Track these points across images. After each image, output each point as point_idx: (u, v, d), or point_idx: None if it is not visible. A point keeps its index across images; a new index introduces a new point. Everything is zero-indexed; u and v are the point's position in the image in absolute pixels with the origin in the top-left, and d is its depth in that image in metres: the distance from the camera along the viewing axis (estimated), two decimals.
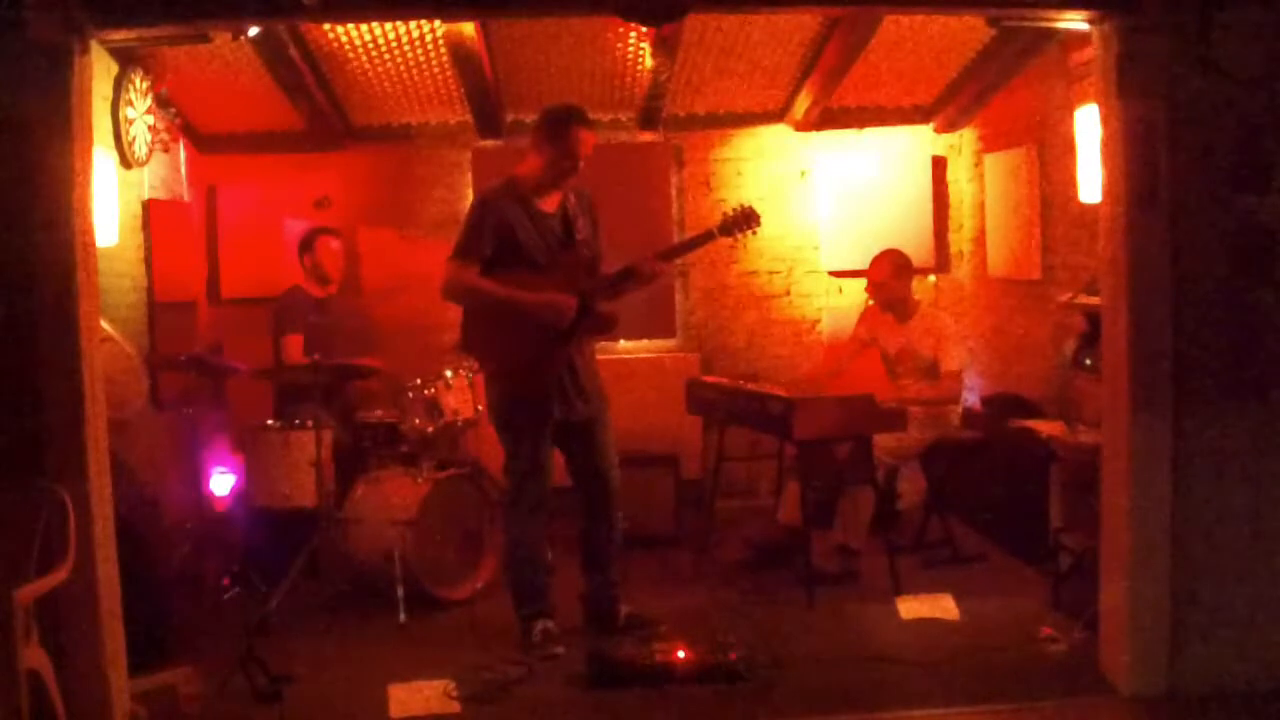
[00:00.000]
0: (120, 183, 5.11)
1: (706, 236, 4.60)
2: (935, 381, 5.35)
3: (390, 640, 4.58)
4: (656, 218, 6.71)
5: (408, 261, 6.52)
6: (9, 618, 3.04)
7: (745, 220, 4.54)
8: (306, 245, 5.84)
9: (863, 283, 5.86)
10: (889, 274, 5.53)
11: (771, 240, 6.88)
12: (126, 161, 5.17)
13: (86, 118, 3.55)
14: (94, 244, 3.60)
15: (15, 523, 3.28)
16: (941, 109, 6.73)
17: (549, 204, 4.44)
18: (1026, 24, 4.69)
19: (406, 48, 5.67)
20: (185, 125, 6.22)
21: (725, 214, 4.62)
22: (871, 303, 5.71)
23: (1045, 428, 5.04)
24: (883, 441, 5.11)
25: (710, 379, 5.84)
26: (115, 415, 3.90)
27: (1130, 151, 3.73)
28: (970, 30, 5.65)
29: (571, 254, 4.42)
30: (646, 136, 6.82)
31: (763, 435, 5.52)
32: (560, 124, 4.36)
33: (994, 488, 5.55)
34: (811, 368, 6.62)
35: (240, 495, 5.43)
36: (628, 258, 4.47)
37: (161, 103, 5.54)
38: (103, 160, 4.66)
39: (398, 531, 4.84)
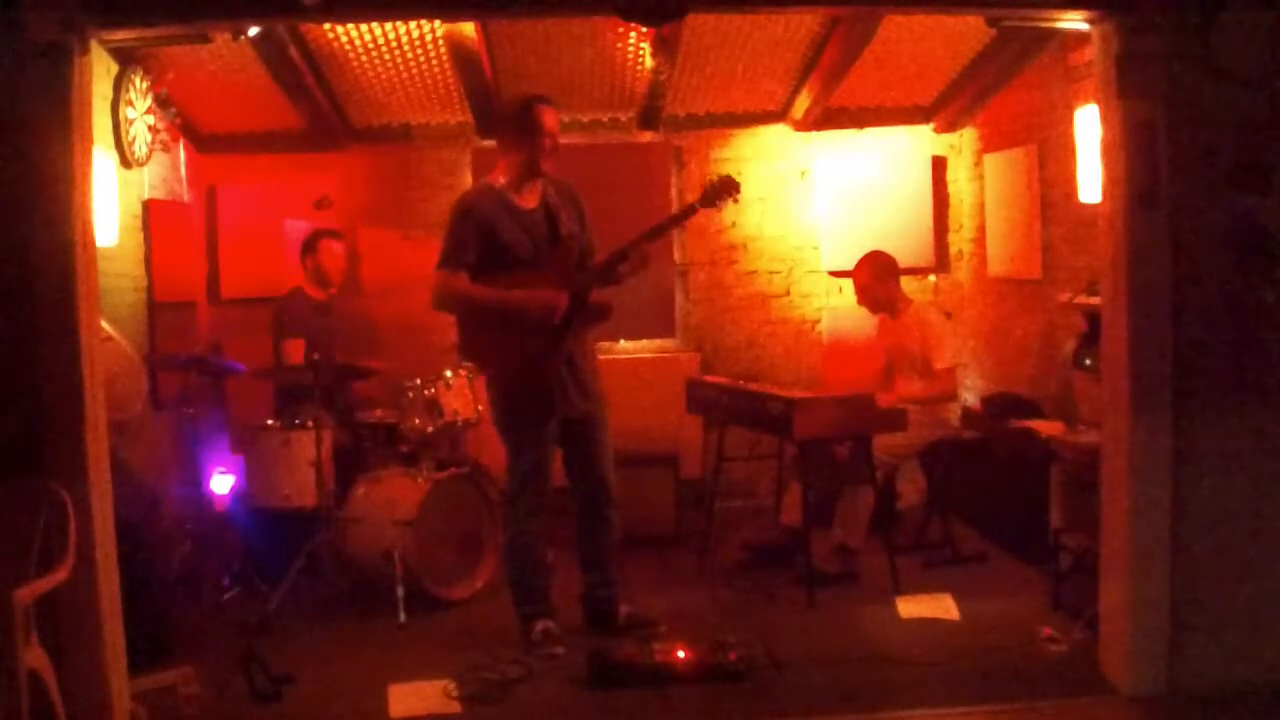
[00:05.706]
0: (120, 183, 5.11)
1: (689, 210, 4.56)
2: (930, 380, 5.36)
3: (390, 640, 4.58)
4: (656, 217, 6.63)
5: (408, 262, 6.49)
6: (9, 618, 3.04)
7: (725, 189, 4.48)
8: (309, 247, 5.84)
9: None
10: (868, 277, 5.59)
11: (771, 240, 6.89)
12: (126, 161, 5.17)
13: (86, 118, 3.55)
14: (94, 244, 3.60)
15: (15, 523, 3.28)
16: (941, 109, 6.73)
17: (529, 200, 4.42)
18: (1026, 24, 4.69)
19: (406, 48, 5.67)
20: (185, 125, 6.21)
21: (705, 185, 4.56)
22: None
23: (1045, 428, 5.04)
24: (883, 441, 5.11)
25: (710, 379, 5.84)
26: (115, 415, 3.90)
27: (1130, 151, 3.73)
28: (970, 30, 5.65)
29: (559, 247, 4.40)
30: (646, 136, 6.82)
31: (763, 435, 5.52)
32: (522, 112, 4.35)
33: (994, 488, 5.55)
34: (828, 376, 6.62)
35: (240, 495, 5.42)
36: None
37: (161, 103, 5.53)
38: (103, 160, 4.66)
39: (398, 531, 4.84)
